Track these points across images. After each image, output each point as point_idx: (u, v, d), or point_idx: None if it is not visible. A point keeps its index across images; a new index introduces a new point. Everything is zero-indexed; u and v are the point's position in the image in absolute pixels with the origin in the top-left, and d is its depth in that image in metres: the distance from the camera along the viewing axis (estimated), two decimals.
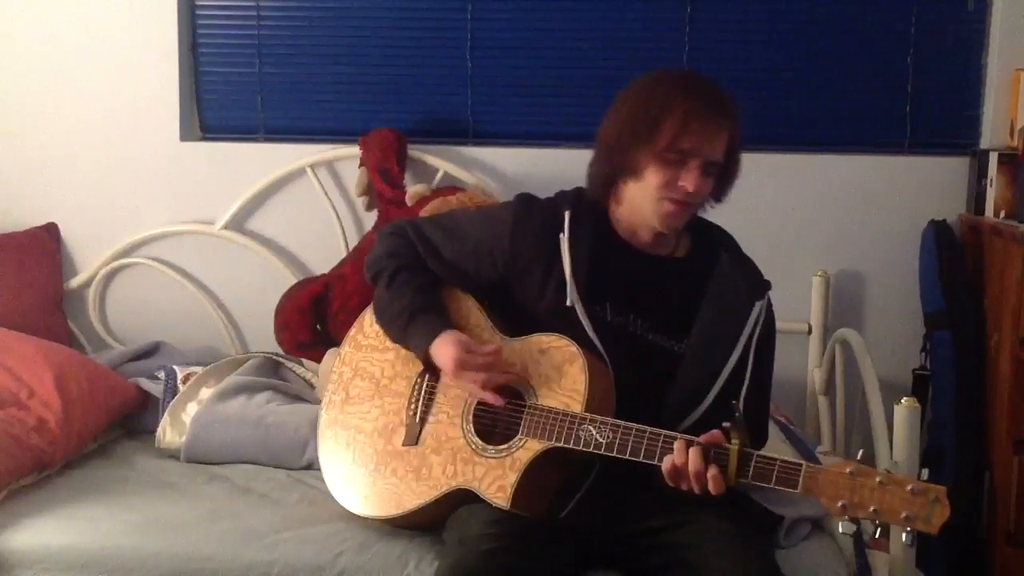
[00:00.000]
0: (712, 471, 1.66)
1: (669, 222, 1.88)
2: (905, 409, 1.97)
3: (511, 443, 1.85)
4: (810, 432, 2.86)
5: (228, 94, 3.18)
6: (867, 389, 2.25)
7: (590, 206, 1.96)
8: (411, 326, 1.96)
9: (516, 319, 1.97)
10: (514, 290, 1.97)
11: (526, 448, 1.83)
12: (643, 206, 1.89)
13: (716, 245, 1.99)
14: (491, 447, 1.87)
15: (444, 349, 1.89)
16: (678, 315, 1.91)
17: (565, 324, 1.88)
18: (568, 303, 1.88)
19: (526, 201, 2.01)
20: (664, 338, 1.91)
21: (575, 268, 1.89)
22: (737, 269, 1.96)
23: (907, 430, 1.97)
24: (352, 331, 2.15)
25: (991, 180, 2.78)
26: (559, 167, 2.96)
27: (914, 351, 2.91)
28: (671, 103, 1.83)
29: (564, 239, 1.91)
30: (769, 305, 1.98)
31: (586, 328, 1.87)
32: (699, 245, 2.00)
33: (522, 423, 1.85)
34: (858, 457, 1.63)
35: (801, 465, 1.64)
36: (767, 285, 1.98)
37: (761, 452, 1.68)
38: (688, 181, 1.83)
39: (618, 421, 1.77)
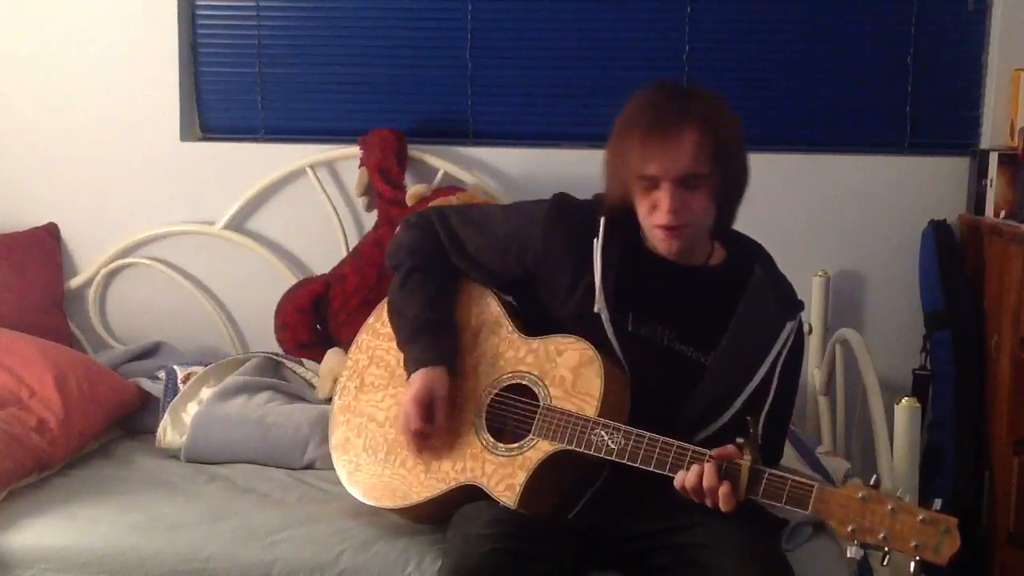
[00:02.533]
0: (724, 488, 1.65)
1: (666, 247, 1.86)
2: (905, 409, 1.97)
3: (522, 442, 1.85)
4: (810, 432, 2.86)
5: (228, 94, 3.18)
6: (867, 389, 2.25)
7: (624, 213, 1.92)
8: (411, 343, 1.97)
9: (537, 318, 1.96)
10: (539, 289, 1.96)
11: (537, 448, 1.82)
12: (645, 231, 1.89)
13: (750, 258, 1.95)
14: (502, 445, 1.87)
15: (412, 385, 1.91)
16: (706, 326, 1.88)
17: (587, 329, 1.87)
18: (595, 310, 1.87)
19: (562, 201, 1.98)
20: (690, 349, 1.89)
21: (605, 275, 1.88)
22: (771, 286, 1.92)
23: (907, 430, 1.97)
24: (371, 319, 2.15)
25: (991, 180, 2.78)
26: (559, 167, 2.96)
27: (914, 351, 2.91)
28: (630, 132, 1.81)
29: (598, 245, 1.89)
30: (800, 325, 1.96)
31: (609, 336, 1.86)
32: (734, 256, 1.97)
33: (535, 423, 1.84)
34: (872, 482, 1.61)
35: (813, 486, 1.63)
36: (800, 305, 1.95)
37: (773, 470, 1.67)
38: (662, 202, 1.80)
39: (631, 428, 1.76)
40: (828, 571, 1.94)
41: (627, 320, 1.89)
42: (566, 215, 1.95)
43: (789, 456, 2.34)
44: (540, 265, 1.94)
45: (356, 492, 2.00)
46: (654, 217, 1.82)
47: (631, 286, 1.89)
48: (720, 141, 1.81)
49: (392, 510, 1.96)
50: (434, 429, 1.91)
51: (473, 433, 1.91)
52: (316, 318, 2.94)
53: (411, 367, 1.95)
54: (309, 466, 2.40)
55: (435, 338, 1.96)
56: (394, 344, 2.05)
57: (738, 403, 1.86)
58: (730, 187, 1.87)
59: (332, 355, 2.72)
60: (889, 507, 1.56)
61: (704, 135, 1.79)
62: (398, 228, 2.11)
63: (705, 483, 1.67)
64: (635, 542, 1.85)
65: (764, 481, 1.65)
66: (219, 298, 3.17)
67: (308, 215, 3.09)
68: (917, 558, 1.55)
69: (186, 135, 3.15)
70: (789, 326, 1.91)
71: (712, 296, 1.91)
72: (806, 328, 2.92)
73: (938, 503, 1.58)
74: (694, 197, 1.82)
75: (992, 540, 2.66)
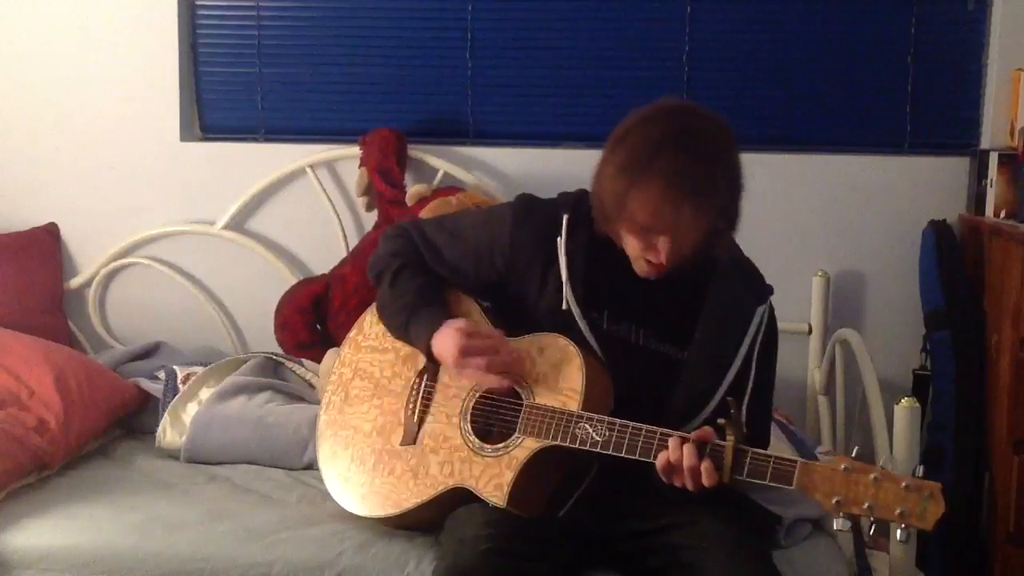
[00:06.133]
0: (706, 464, 1.66)
1: (647, 275, 1.85)
2: (905, 409, 1.97)
3: (508, 442, 1.85)
4: (810, 432, 2.86)
5: (228, 94, 3.18)
6: (867, 389, 2.25)
7: (590, 210, 1.92)
8: (412, 320, 1.96)
9: (515, 321, 1.97)
10: (513, 291, 1.97)
11: (523, 447, 1.83)
12: (629, 255, 1.86)
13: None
14: (488, 446, 1.87)
15: (446, 341, 1.89)
16: (679, 321, 1.89)
17: (563, 327, 1.88)
18: (564, 306, 1.88)
19: (526, 202, 2.00)
20: (666, 345, 1.90)
21: (571, 272, 1.89)
22: (738, 274, 1.93)
23: (907, 430, 1.97)
24: (352, 332, 2.16)
25: (991, 180, 2.78)
26: (559, 167, 2.96)
27: (914, 351, 2.91)
28: (636, 180, 1.74)
29: (561, 243, 1.91)
30: (771, 310, 1.96)
31: (583, 332, 1.87)
32: None
33: (519, 422, 1.85)
34: (853, 454, 1.63)
35: (796, 462, 1.64)
36: (769, 290, 1.96)
37: (756, 450, 1.67)
38: (659, 250, 1.77)
39: (614, 419, 1.77)
40: (827, 569, 1.95)
41: (602, 318, 1.90)
42: (531, 216, 1.96)
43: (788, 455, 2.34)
44: (511, 268, 1.95)
45: (347, 504, 2.00)
46: (647, 254, 1.80)
47: (602, 284, 1.90)
48: (725, 203, 1.78)
49: (384, 519, 1.96)
50: (500, 337, 1.88)
51: (460, 436, 1.91)
52: (316, 318, 2.94)
53: (424, 338, 1.92)
54: (309, 466, 2.40)
55: (436, 307, 1.96)
56: (377, 356, 2.06)
57: (719, 394, 1.86)
58: (720, 235, 1.85)
59: (332, 355, 2.71)
60: (872, 476, 1.57)
61: (713, 204, 1.75)
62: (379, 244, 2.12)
63: (685, 463, 1.67)
64: (629, 542, 1.85)
65: (748, 461, 1.66)
66: (219, 298, 3.18)
67: (308, 215, 3.09)
68: (903, 526, 1.55)
69: (186, 135, 3.15)
70: (760, 311, 1.92)
71: (682, 288, 1.90)
72: (805, 328, 2.93)
73: (920, 470, 1.59)
74: (687, 243, 1.79)
75: (992, 540, 2.66)
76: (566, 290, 1.88)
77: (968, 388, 2.76)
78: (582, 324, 1.88)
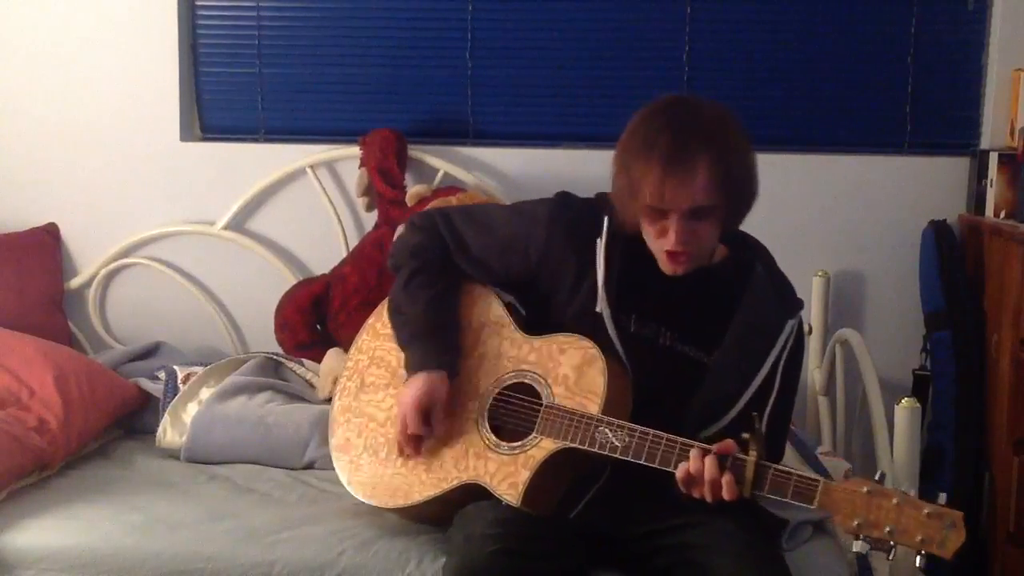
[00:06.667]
0: (727, 477, 1.66)
1: (671, 270, 1.84)
2: (905, 409, 1.97)
3: (525, 441, 1.84)
4: (810, 432, 2.86)
5: (228, 94, 3.18)
6: (867, 389, 2.25)
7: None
8: (413, 345, 1.97)
9: (540, 317, 1.96)
10: (542, 289, 1.96)
11: (540, 447, 1.82)
12: (652, 251, 1.87)
13: (751, 257, 1.95)
14: (505, 443, 1.87)
15: (413, 388, 1.91)
16: (708, 326, 1.88)
17: (589, 329, 1.87)
18: (597, 309, 1.87)
19: (564, 201, 1.99)
20: (693, 349, 1.89)
21: (608, 276, 1.88)
22: (771, 285, 1.92)
23: (907, 430, 1.97)
24: (371, 319, 2.14)
25: (991, 180, 2.78)
26: (559, 167, 2.96)
27: (914, 351, 2.91)
28: (641, 163, 1.76)
29: (600, 245, 1.90)
30: (800, 324, 1.95)
31: (611, 336, 1.86)
32: (734, 254, 1.96)
33: (538, 422, 1.84)
34: (876, 477, 1.61)
35: (818, 481, 1.63)
36: (800, 304, 1.95)
37: (778, 466, 1.67)
38: (671, 232, 1.78)
39: (635, 425, 1.76)
40: (828, 570, 1.95)
41: (629, 320, 1.89)
42: (569, 214, 1.95)
43: (789, 456, 2.34)
44: (543, 264, 1.94)
45: (357, 492, 2.00)
46: (662, 243, 1.81)
47: (633, 286, 1.89)
48: (731, 174, 1.78)
49: (393, 510, 1.96)
50: (431, 434, 1.91)
51: (476, 431, 1.91)
52: (316, 318, 2.94)
53: (412, 369, 1.95)
54: (309, 466, 2.40)
55: (437, 341, 1.96)
56: (395, 344, 2.05)
57: (741, 403, 1.85)
58: (738, 210, 1.86)
59: (332, 355, 2.72)
60: (894, 501, 1.56)
61: (715, 171, 1.75)
62: (401, 228, 2.11)
63: (707, 476, 1.67)
64: (637, 542, 1.85)
65: (770, 476, 1.65)
66: (219, 298, 3.17)
67: (308, 215, 3.09)
68: (922, 552, 1.55)
69: (186, 135, 3.15)
70: (790, 325, 1.91)
71: (713, 294, 1.90)
72: (806, 328, 2.92)
73: (943, 497, 1.58)
74: (702, 226, 1.80)
75: (992, 540, 2.66)
76: (600, 295, 1.87)
77: (968, 388, 2.76)
78: (611, 328, 1.87)
